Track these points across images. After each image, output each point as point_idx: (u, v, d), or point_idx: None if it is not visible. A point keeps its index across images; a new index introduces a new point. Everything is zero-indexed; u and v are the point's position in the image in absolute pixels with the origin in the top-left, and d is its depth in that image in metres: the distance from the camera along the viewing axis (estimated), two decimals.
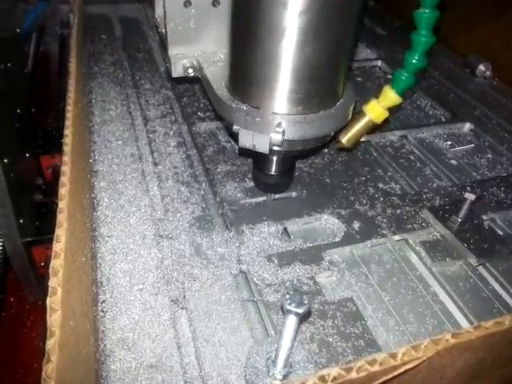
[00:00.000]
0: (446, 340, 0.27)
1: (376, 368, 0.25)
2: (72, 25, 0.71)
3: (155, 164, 0.65)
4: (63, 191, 0.36)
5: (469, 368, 0.31)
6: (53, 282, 0.29)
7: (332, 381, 0.25)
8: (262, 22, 0.44)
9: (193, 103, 0.80)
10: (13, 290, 0.77)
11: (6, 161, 0.59)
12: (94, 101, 0.78)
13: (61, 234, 0.33)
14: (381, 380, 0.26)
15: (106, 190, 0.59)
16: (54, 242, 0.32)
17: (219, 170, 0.65)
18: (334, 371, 0.25)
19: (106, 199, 0.57)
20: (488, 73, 0.96)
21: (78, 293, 0.34)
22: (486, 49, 1.01)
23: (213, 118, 0.75)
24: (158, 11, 0.61)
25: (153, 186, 0.61)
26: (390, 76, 0.95)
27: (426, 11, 0.49)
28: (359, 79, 0.93)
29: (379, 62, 0.99)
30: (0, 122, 0.58)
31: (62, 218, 0.34)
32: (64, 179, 0.37)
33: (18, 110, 0.68)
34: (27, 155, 0.73)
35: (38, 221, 0.72)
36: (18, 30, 0.72)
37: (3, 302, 0.68)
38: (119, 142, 0.68)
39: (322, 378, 0.25)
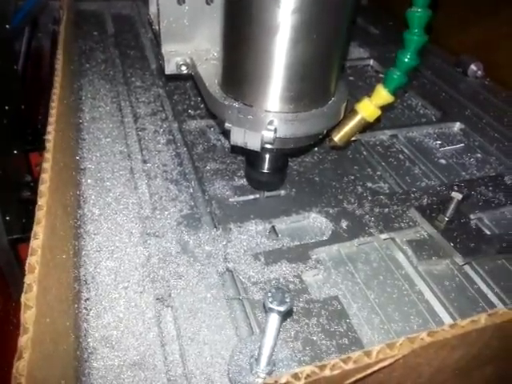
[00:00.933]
0: (422, 338, 0.27)
1: (350, 366, 0.25)
2: (60, 21, 0.71)
3: (144, 162, 0.65)
4: (43, 188, 0.36)
5: (447, 367, 0.31)
6: (28, 279, 0.29)
7: (305, 378, 0.25)
8: (254, 20, 0.44)
9: (184, 101, 0.80)
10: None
11: None
12: (83, 98, 0.77)
13: (39, 230, 0.33)
14: (354, 378, 0.26)
15: (94, 187, 0.59)
16: (32, 238, 0.32)
17: (208, 167, 0.65)
18: (307, 369, 0.25)
19: (93, 196, 0.57)
20: (479, 72, 0.96)
21: (56, 290, 0.33)
22: (477, 48, 1.01)
23: (203, 115, 0.75)
24: (152, 8, 0.61)
25: (141, 184, 0.61)
26: (381, 75, 0.95)
27: (419, 10, 0.49)
28: (351, 78, 0.93)
29: (371, 61, 0.99)
30: None
31: (40, 214, 0.34)
32: (45, 176, 0.37)
33: (7, 107, 0.68)
34: (15, 152, 0.72)
35: (25, 218, 0.71)
36: (7, 26, 0.71)
37: None
38: (108, 140, 0.68)
39: (296, 376, 0.25)
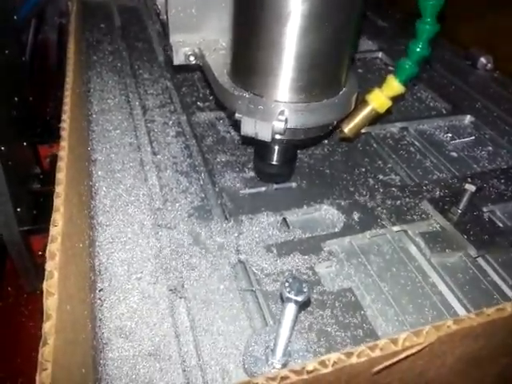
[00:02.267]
0: (448, 326, 0.27)
1: (377, 353, 0.25)
2: (70, 12, 0.70)
3: (154, 153, 0.65)
4: (60, 176, 0.36)
5: (468, 355, 0.31)
6: (49, 266, 0.28)
7: (332, 365, 0.24)
8: (264, 8, 0.43)
9: (192, 93, 0.79)
10: (10, 280, 0.76)
11: (2, 148, 0.58)
12: (92, 90, 0.77)
13: (58, 218, 0.33)
14: (381, 365, 0.26)
15: (105, 178, 0.58)
16: (51, 226, 0.32)
17: (218, 160, 0.64)
18: (334, 356, 0.25)
19: (104, 188, 0.57)
20: (489, 65, 0.95)
21: (75, 278, 0.33)
22: (487, 41, 1.00)
23: (212, 108, 0.75)
24: None
25: (151, 176, 0.61)
26: (390, 68, 0.95)
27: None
28: (360, 70, 0.92)
29: (380, 54, 0.98)
30: None
31: (58, 202, 0.34)
32: (61, 164, 0.37)
33: (16, 98, 0.67)
34: (24, 144, 0.72)
35: (36, 210, 0.71)
36: (15, 17, 0.71)
37: (1, 291, 0.68)
38: (118, 132, 0.68)
39: (323, 363, 0.25)
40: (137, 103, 0.76)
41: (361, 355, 0.25)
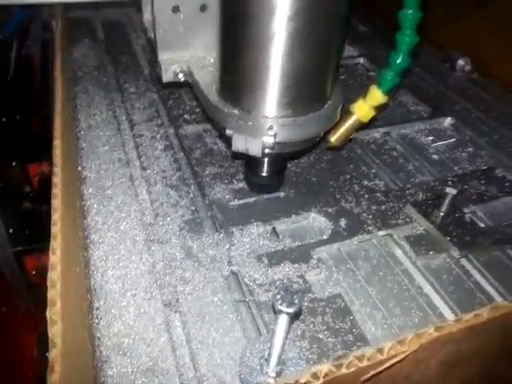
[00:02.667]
0: (429, 333, 0.29)
1: (365, 363, 0.27)
2: (55, 30, 0.71)
3: (143, 168, 0.66)
4: (56, 203, 0.37)
5: (450, 358, 0.33)
6: (51, 295, 0.30)
7: (324, 377, 0.26)
8: (250, 29, 0.45)
9: (178, 106, 0.80)
10: (3, 300, 0.77)
11: None
12: (78, 106, 0.78)
13: (56, 246, 0.34)
14: (369, 374, 0.27)
15: (95, 196, 0.59)
16: (50, 254, 0.33)
17: (207, 172, 0.66)
18: (325, 368, 0.26)
19: (95, 205, 0.58)
20: (467, 67, 0.98)
21: (75, 302, 0.34)
22: (464, 43, 1.03)
23: (199, 120, 0.76)
24: (146, 16, 0.62)
25: (142, 191, 0.62)
26: (372, 73, 0.97)
27: (410, 12, 0.50)
28: (342, 76, 0.94)
29: (361, 60, 1.01)
30: None
31: (56, 229, 0.35)
32: (56, 191, 0.38)
33: (3, 119, 0.68)
34: (13, 164, 0.73)
35: (28, 230, 0.72)
36: None
37: None
38: (106, 148, 0.69)
39: (315, 375, 0.26)
40: (124, 118, 0.77)
41: (350, 366, 0.27)
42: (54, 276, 0.30)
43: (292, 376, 0.27)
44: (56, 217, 0.36)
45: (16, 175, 0.73)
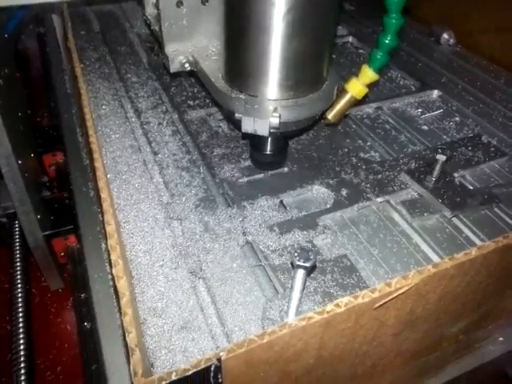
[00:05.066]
0: (428, 270, 0.34)
1: (376, 294, 0.32)
2: (67, 29, 0.74)
3: (154, 153, 0.70)
4: (101, 184, 0.42)
5: (447, 293, 0.38)
6: (114, 256, 0.35)
7: (345, 306, 0.31)
8: (252, 19, 0.50)
9: (181, 93, 0.84)
10: (33, 281, 0.82)
11: (20, 162, 0.63)
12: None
13: (109, 218, 0.39)
14: (381, 302, 0.33)
15: (114, 180, 0.64)
16: (106, 224, 0.38)
17: (215, 153, 0.70)
18: (345, 299, 0.32)
19: (115, 189, 0.62)
20: (451, 41, 1.03)
21: (125, 265, 0.39)
22: (447, 17, 1.08)
23: (202, 105, 0.80)
24: (149, 10, 0.65)
25: (155, 174, 0.66)
26: (361, 51, 1.01)
27: None
28: (333, 56, 0.98)
29: (350, 38, 1.05)
30: (11, 127, 0.62)
31: (106, 205, 0.40)
32: (99, 174, 0.42)
33: (19, 113, 0.72)
34: (32, 155, 0.77)
35: (53, 216, 0.76)
36: (5, 35, 0.74)
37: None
38: (117, 135, 0.73)
39: (337, 305, 0.32)
40: (129, 107, 0.81)
41: (364, 297, 0.33)
42: (113, 242, 0.35)
43: (319, 308, 0.33)
44: (104, 195, 0.41)
45: (33, 166, 0.78)
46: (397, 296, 0.33)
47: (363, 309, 0.33)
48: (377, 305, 0.33)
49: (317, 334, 0.33)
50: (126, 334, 0.30)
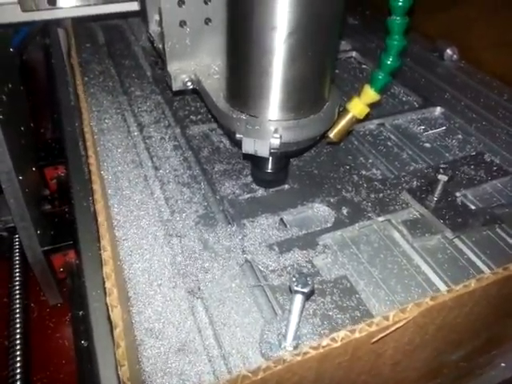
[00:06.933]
0: (426, 302, 0.34)
1: (373, 328, 0.32)
2: (70, 46, 0.74)
3: (156, 168, 0.70)
4: (99, 207, 0.42)
5: (445, 324, 0.38)
6: (108, 284, 0.34)
7: (341, 340, 0.31)
8: (254, 42, 0.50)
9: (183, 107, 0.84)
10: (32, 297, 0.82)
11: (21, 178, 0.63)
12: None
13: (106, 244, 0.38)
14: (378, 337, 0.32)
15: (115, 196, 0.64)
16: (102, 251, 0.38)
17: (216, 169, 0.70)
18: (341, 333, 0.31)
19: (115, 205, 0.62)
20: (455, 56, 1.03)
21: (121, 291, 0.39)
22: (451, 33, 1.08)
23: (205, 120, 0.80)
24: (152, 27, 0.66)
25: (156, 190, 0.66)
26: (364, 66, 1.01)
27: (398, 18, 0.55)
28: (336, 71, 0.98)
29: (354, 53, 1.05)
30: (12, 142, 0.63)
31: (103, 230, 0.40)
32: (97, 197, 0.42)
33: (22, 128, 0.72)
34: (33, 169, 0.77)
35: (53, 230, 0.76)
36: (11, 50, 0.75)
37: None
38: (119, 150, 0.73)
39: (333, 339, 0.31)
40: (132, 121, 0.81)
41: (361, 331, 0.32)
42: (108, 269, 0.35)
43: (315, 341, 0.32)
44: (101, 219, 0.40)
45: (35, 179, 0.78)
46: (394, 330, 0.33)
47: (360, 343, 0.32)
48: (374, 339, 0.33)
49: (312, 368, 0.33)
50: (119, 368, 0.30)
